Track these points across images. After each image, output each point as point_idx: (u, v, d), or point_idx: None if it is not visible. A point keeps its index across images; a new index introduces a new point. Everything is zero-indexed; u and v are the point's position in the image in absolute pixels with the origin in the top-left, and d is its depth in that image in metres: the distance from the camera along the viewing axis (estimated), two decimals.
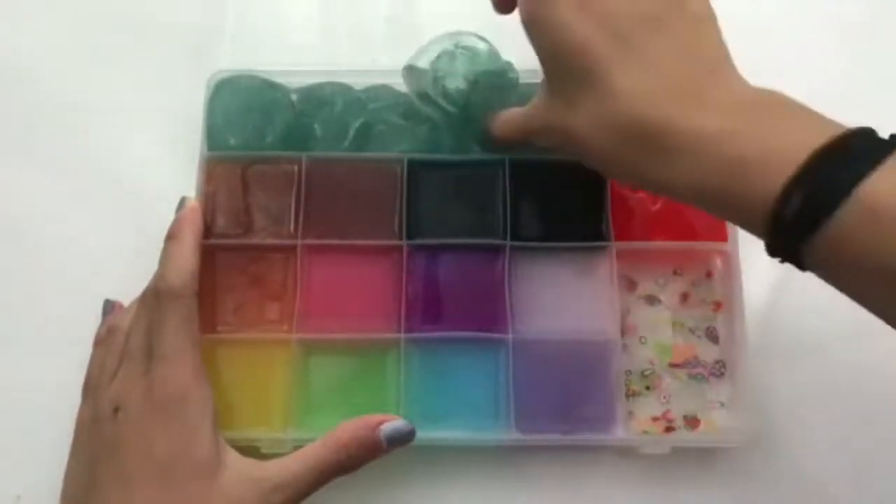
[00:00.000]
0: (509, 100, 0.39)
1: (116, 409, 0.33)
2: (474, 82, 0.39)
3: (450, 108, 0.40)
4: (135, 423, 0.32)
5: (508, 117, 0.38)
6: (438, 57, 0.40)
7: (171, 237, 0.36)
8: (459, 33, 0.41)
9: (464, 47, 0.41)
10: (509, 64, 0.41)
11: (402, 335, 0.38)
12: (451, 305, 0.39)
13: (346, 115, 0.42)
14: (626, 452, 0.39)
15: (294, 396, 0.38)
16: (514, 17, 0.49)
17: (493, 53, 0.41)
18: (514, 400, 0.38)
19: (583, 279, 0.40)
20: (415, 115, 0.42)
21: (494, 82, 0.40)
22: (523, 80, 0.41)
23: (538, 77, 0.41)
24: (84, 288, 0.40)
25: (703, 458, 0.39)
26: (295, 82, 0.42)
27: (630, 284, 0.40)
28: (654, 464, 0.39)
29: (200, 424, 0.33)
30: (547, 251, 0.40)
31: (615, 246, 0.40)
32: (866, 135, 0.27)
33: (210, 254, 0.39)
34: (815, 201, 0.26)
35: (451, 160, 0.41)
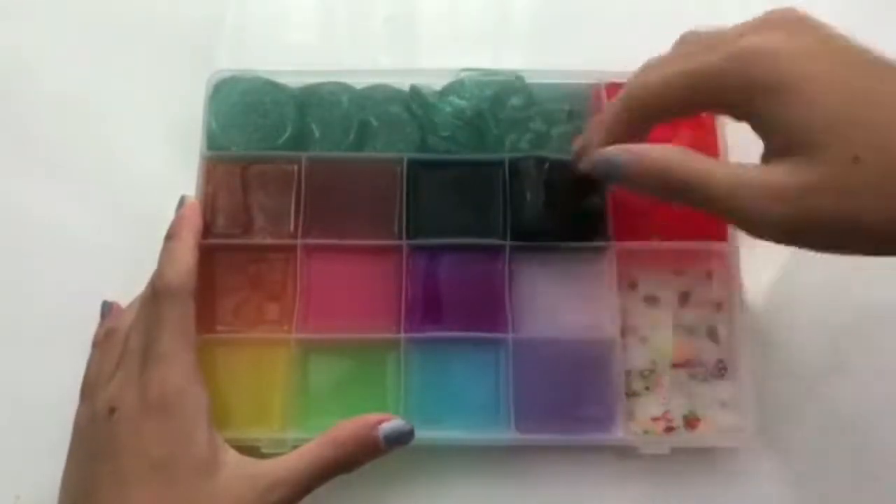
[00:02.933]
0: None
1: (112, 410, 0.33)
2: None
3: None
4: (130, 423, 0.32)
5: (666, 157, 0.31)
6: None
7: (170, 236, 0.36)
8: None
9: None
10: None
11: (402, 335, 0.38)
12: (451, 305, 0.39)
13: (346, 115, 0.42)
14: (626, 452, 0.39)
15: (294, 396, 0.38)
16: (515, 17, 0.49)
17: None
18: (514, 400, 0.38)
19: (583, 279, 0.40)
20: (414, 114, 0.42)
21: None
22: (529, 80, 0.41)
23: (538, 77, 0.42)
24: (83, 288, 0.40)
25: (703, 458, 0.39)
26: (295, 82, 0.42)
27: (630, 284, 0.40)
28: (654, 464, 0.39)
29: (196, 424, 0.33)
30: (547, 251, 0.40)
31: (615, 246, 0.40)
32: None
33: (210, 254, 0.39)
34: None
35: (451, 160, 0.41)
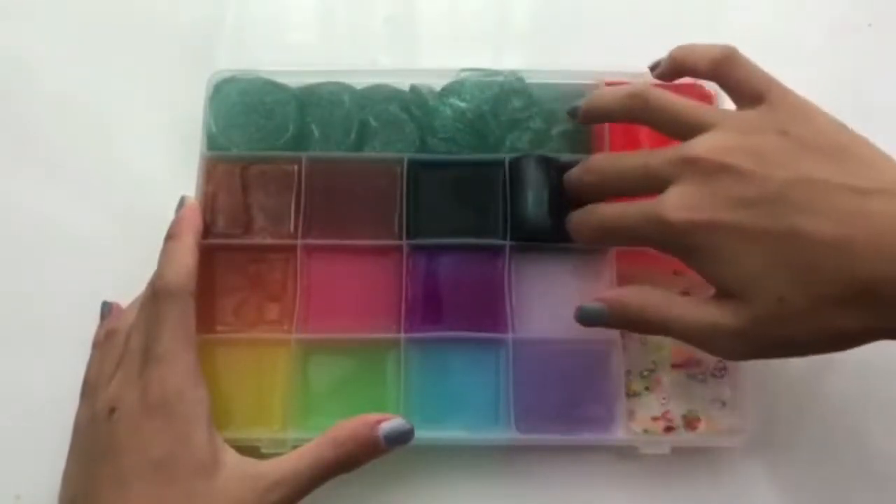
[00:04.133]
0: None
1: (112, 410, 0.33)
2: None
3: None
4: (130, 423, 0.32)
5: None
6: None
7: (169, 237, 0.37)
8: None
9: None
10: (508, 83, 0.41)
11: (402, 335, 0.38)
12: (451, 305, 0.39)
13: (346, 115, 0.42)
14: (626, 452, 0.39)
15: (294, 396, 0.38)
16: (515, 17, 0.49)
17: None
18: (514, 400, 0.38)
19: (583, 279, 0.40)
20: (414, 116, 0.42)
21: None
22: (529, 80, 0.41)
23: (538, 77, 0.42)
24: (83, 288, 0.40)
25: (703, 458, 0.39)
26: (295, 82, 0.42)
27: (630, 284, 0.40)
28: (654, 464, 0.39)
29: (196, 424, 0.33)
30: (547, 251, 0.40)
31: (615, 246, 0.40)
32: None
33: (210, 254, 0.39)
34: None
35: (451, 160, 0.41)
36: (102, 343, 0.37)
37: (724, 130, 0.33)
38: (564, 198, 0.40)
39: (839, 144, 0.32)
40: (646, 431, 0.38)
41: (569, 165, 0.39)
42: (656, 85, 0.38)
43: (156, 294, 0.35)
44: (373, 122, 0.42)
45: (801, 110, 0.33)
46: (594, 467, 0.39)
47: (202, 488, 0.32)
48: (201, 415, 0.33)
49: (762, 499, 0.39)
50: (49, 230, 0.42)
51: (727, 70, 0.35)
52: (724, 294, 0.32)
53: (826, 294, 0.30)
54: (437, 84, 0.42)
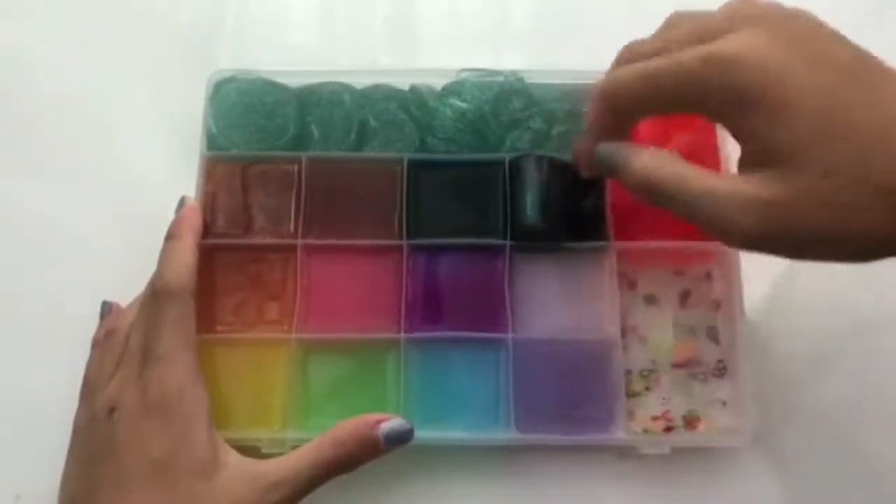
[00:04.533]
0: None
1: (112, 410, 0.33)
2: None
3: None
4: (130, 423, 0.32)
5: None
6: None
7: (169, 237, 0.37)
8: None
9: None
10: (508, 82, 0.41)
11: (402, 335, 0.38)
12: (451, 305, 0.39)
13: (346, 114, 0.42)
14: (626, 452, 0.39)
15: (294, 396, 0.38)
16: (515, 17, 0.49)
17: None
18: (514, 400, 0.38)
19: (583, 279, 0.40)
20: (414, 116, 0.42)
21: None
22: (529, 80, 0.41)
23: (538, 77, 0.42)
24: (83, 288, 0.40)
25: (703, 458, 0.39)
26: (295, 82, 0.42)
27: (630, 284, 0.40)
28: (654, 464, 0.39)
29: (196, 424, 0.33)
30: (547, 251, 0.40)
31: (615, 246, 0.40)
32: None
33: (210, 254, 0.39)
34: None
35: (451, 160, 0.41)
36: (102, 343, 0.37)
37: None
38: (564, 197, 0.40)
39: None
40: (646, 431, 0.38)
41: (568, 165, 0.39)
42: None
43: (156, 294, 0.35)
44: (372, 122, 0.42)
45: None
46: (594, 467, 0.39)
47: (202, 488, 0.32)
48: (201, 415, 0.33)
49: (762, 499, 0.39)
50: (49, 230, 0.42)
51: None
52: (763, 158, 0.28)
53: (872, 178, 0.27)
54: (437, 84, 0.42)
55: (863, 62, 0.29)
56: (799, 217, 0.28)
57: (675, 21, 0.33)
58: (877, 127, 0.27)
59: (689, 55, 0.30)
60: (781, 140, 0.28)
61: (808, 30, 0.30)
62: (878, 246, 0.28)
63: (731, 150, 0.40)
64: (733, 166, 0.35)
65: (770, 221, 0.28)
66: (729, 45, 0.29)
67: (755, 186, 0.28)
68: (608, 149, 0.33)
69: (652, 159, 0.31)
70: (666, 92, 0.31)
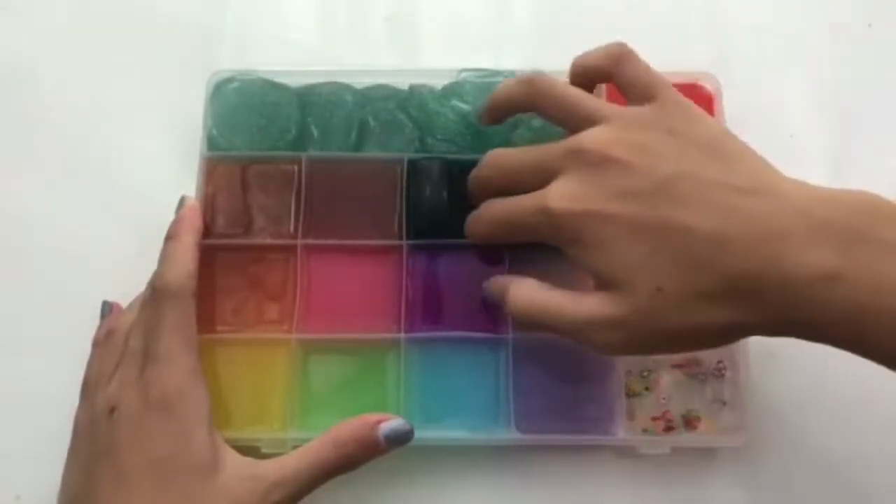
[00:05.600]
0: None
1: (112, 410, 0.33)
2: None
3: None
4: (130, 422, 0.32)
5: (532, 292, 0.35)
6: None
7: (169, 237, 0.36)
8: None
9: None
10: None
11: (402, 335, 0.38)
12: (451, 305, 0.39)
13: (346, 115, 0.42)
14: (626, 452, 0.39)
15: (294, 396, 0.38)
16: (515, 17, 0.49)
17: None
18: (514, 400, 0.38)
19: (583, 279, 0.40)
20: (413, 117, 0.42)
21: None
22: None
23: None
24: (84, 288, 0.40)
25: (703, 458, 0.39)
26: (295, 82, 0.42)
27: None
28: (654, 464, 0.39)
29: (196, 424, 0.33)
30: (547, 251, 0.40)
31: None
32: None
33: (210, 254, 0.39)
34: None
35: (451, 160, 0.41)
36: (102, 343, 0.37)
37: (613, 125, 0.34)
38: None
39: (722, 146, 0.32)
40: (645, 431, 0.38)
41: None
42: None
43: (156, 294, 0.35)
44: (372, 123, 0.42)
45: (689, 111, 0.34)
46: (594, 467, 0.39)
47: (202, 489, 0.32)
48: (201, 415, 0.33)
49: (762, 499, 0.39)
50: (49, 230, 0.42)
51: (622, 67, 0.35)
52: (604, 285, 0.32)
53: (701, 285, 0.30)
54: (437, 84, 0.42)
55: (674, 178, 0.32)
56: (646, 328, 0.31)
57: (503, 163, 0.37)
58: (694, 236, 0.30)
59: (526, 205, 0.35)
60: (612, 270, 0.32)
61: (620, 167, 0.32)
62: (727, 335, 0.32)
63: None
64: None
65: (623, 337, 0.32)
66: (553, 199, 0.33)
67: (605, 308, 0.32)
68: (489, 288, 0.38)
69: (520, 293, 0.35)
70: (513, 231, 0.36)
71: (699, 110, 0.34)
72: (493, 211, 0.37)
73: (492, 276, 0.38)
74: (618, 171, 0.32)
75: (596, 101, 0.35)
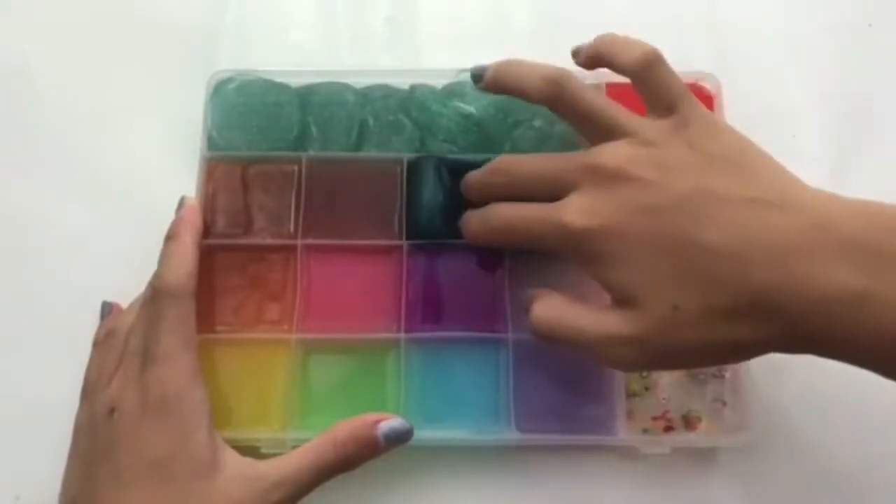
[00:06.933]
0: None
1: (112, 410, 0.33)
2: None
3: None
4: (130, 423, 0.32)
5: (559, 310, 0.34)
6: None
7: (169, 237, 0.37)
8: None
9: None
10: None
11: (402, 335, 0.38)
12: (451, 305, 0.39)
13: (347, 115, 0.42)
14: (626, 452, 0.39)
15: (294, 396, 0.38)
16: (515, 17, 0.49)
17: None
18: (514, 400, 0.38)
19: (583, 279, 0.40)
20: (414, 115, 0.42)
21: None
22: None
23: None
24: (84, 288, 0.40)
25: (703, 458, 0.39)
26: (295, 82, 0.42)
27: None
28: (654, 464, 0.39)
29: (196, 424, 0.33)
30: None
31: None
32: None
33: (210, 254, 0.39)
34: None
35: (451, 160, 0.41)
36: (102, 343, 0.37)
37: (632, 140, 0.33)
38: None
39: (743, 159, 0.32)
40: (646, 431, 0.38)
41: None
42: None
43: (155, 294, 0.35)
44: (372, 123, 0.42)
45: (709, 125, 0.33)
46: (594, 467, 0.39)
47: (202, 489, 0.32)
48: (201, 415, 0.33)
49: (762, 499, 0.39)
50: (49, 230, 0.42)
51: (648, 73, 0.34)
52: (621, 302, 0.32)
53: (719, 303, 0.30)
54: (438, 84, 0.42)
55: (689, 200, 0.31)
56: (663, 345, 0.31)
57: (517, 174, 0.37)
58: (711, 253, 0.30)
59: (545, 219, 0.34)
60: (629, 288, 0.31)
61: (636, 183, 0.32)
62: (747, 350, 0.32)
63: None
64: None
65: (641, 354, 0.31)
66: (570, 217, 0.33)
67: (622, 326, 0.31)
68: (524, 297, 0.37)
69: (542, 308, 0.34)
70: (515, 240, 0.36)
71: (721, 123, 0.34)
72: (501, 215, 0.36)
73: (492, 277, 0.38)
74: (636, 187, 0.32)
75: (618, 115, 0.34)
